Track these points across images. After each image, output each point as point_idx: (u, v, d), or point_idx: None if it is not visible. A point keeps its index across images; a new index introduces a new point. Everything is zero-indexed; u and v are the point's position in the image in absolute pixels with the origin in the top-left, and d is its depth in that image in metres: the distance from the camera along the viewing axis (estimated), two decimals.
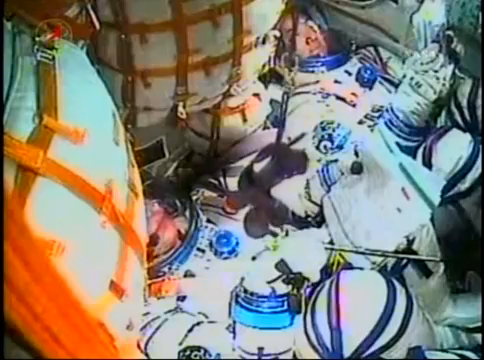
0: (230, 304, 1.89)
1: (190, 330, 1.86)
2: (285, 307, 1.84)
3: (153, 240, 1.96)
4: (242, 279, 1.88)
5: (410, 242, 1.92)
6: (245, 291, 1.85)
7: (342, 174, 2.19)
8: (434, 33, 2.14)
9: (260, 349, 1.82)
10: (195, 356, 1.80)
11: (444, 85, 2.03)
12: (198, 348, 1.81)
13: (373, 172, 1.89)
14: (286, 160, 2.24)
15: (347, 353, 1.78)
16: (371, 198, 1.87)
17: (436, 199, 1.79)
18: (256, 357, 1.84)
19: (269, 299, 1.83)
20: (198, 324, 1.88)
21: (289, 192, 2.23)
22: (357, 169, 2.03)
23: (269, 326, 1.82)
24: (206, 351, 1.80)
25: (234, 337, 1.86)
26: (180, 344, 1.82)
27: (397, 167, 1.80)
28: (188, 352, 1.80)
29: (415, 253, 1.93)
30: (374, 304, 1.78)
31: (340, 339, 1.77)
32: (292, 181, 2.25)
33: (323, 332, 1.79)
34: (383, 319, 1.75)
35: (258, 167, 2.24)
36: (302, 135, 2.44)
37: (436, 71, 2.04)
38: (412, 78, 2.12)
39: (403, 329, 1.77)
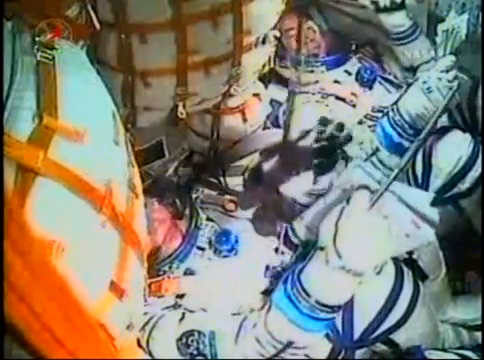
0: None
1: (182, 318, 1.85)
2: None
3: (155, 250, 1.97)
4: (300, 272, 1.75)
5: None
6: (302, 286, 1.71)
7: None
8: (455, 45, 2.16)
9: (290, 343, 1.74)
10: (192, 341, 1.78)
11: (454, 96, 2.02)
12: (191, 332, 1.80)
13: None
14: (293, 157, 2.22)
15: (356, 335, 1.80)
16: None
17: (436, 217, 1.79)
18: (280, 346, 1.75)
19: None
20: (191, 312, 1.87)
21: (297, 189, 2.21)
22: None
23: (304, 327, 1.73)
24: (200, 332, 1.79)
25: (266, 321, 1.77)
26: (177, 334, 1.81)
27: (397, 201, 1.77)
28: (184, 339, 1.79)
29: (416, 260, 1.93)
30: (382, 284, 1.79)
31: (351, 321, 1.78)
32: (300, 178, 2.23)
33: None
34: (390, 299, 1.77)
35: (266, 165, 2.23)
36: (308, 132, 2.44)
37: (449, 81, 2.03)
38: (425, 82, 2.10)
39: (410, 310, 1.78)
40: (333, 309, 1.70)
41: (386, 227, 1.67)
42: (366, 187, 1.72)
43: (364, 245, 1.65)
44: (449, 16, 2.26)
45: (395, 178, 1.75)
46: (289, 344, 1.73)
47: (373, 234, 1.66)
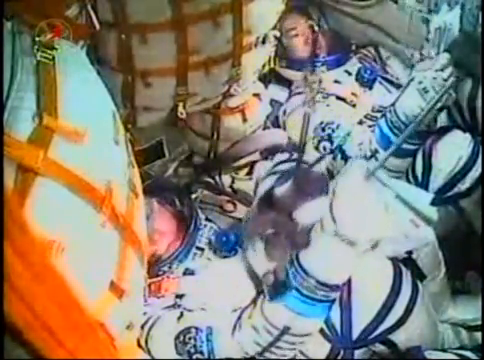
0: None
1: (180, 317, 1.85)
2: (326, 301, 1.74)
3: (155, 251, 1.97)
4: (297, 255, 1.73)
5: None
6: (299, 264, 1.70)
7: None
8: (448, 42, 2.14)
9: (286, 329, 1.72)
10: (189, 339, 1.79)
11: (450, 95, 2.01)
12: (189, 329, 1.80)
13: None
14: (308, 183, 2.18)
15: (355, 335, 1.80)
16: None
17: (434, 216, 1.78)
18: (276, 332, 1.73)
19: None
20: (190, 311, 1.87)
21: (311, 215, 2.18)
22: None
23: (301, 311, 1.71)
24: (197, 329, 1.79)
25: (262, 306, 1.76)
26: (175, 332, 1.82)
27: (396, 199, 1.77)
28: (182, 337, 1.80)
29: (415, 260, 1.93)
30: (380, 285, 1.79)
31: (350, 321, 1.79)
32: (314, 204, 2.18)
33: (332, 314, 1.78)
34: (390, 299, 1.77)
35: (279, 191, 2.17)
36: (322, 157, 2.41)
37: (445, 80, 2.02)
38: (420, 82, 2.09)
39: (409, 310, 1.79)
40: (332, 288, 1.68)
41: (382, 201, 1.65)
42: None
43: (359, 213, 1.64)
44: (440, 13, 2.23)
45: (391, 154, 1.76)
46: (285, 330, 1.71)
47: (369, 205, 1.65)
